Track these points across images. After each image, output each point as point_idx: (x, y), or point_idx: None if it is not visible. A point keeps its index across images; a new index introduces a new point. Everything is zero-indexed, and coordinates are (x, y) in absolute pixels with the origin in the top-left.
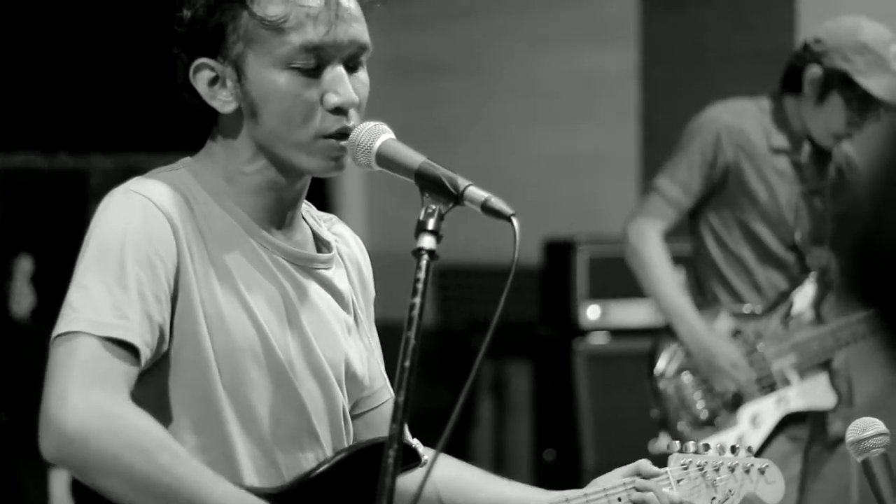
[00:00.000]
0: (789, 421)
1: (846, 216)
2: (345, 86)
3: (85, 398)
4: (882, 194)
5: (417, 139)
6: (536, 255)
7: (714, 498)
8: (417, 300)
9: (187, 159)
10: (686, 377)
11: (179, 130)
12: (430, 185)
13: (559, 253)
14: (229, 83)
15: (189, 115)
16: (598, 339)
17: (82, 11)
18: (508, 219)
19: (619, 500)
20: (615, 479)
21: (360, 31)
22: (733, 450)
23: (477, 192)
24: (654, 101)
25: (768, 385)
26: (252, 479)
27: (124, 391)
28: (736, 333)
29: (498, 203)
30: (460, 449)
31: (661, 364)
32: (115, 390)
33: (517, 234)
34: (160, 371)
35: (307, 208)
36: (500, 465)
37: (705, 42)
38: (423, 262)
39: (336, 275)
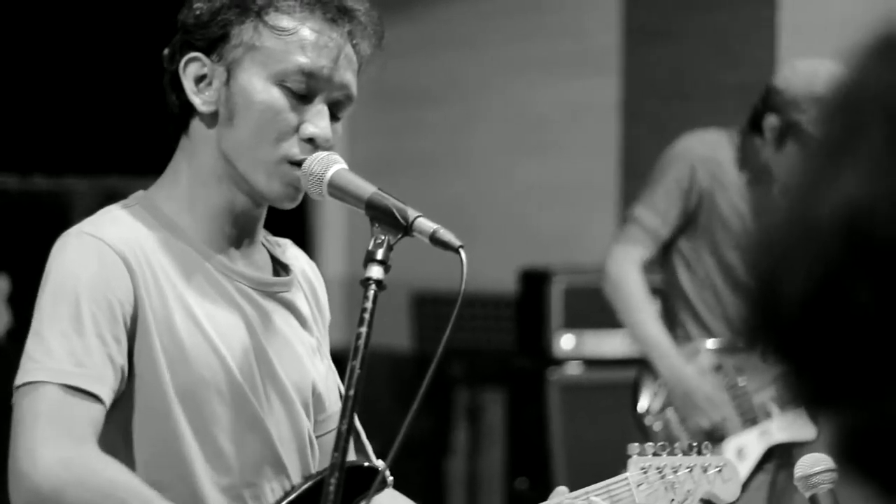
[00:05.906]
0: (773, 452)
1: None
2: (325, 122)
3: (54, 452)
4: (784, 240)
5: (397, 166)
6: (513, 284)
7: (673, 499)
8: (364, 329)
9: (140, 193)
10: (670, 413)
11: (156, 154)
12: (380, 215)
13: (535, 282)
14: (215, 84)
15: (166, 138)
16: (573, 370)
17: (58, 33)
18: (456, 250)
19: None
20: None
21: (352, 80)
22: (691, 448)
23: (426, 224)
24: (635, 133)
25: (751, 418)
26: None
27: (91, 439)
28: (718, 368)
29: (446, 235)
30: (436, 476)
31: (645, 400)
32: (82, 440)
33: (464, 266)
34: (121, 411)
35: (263, 233)
36: (473, 494)
37: (687, 75)
38: (371, 293)
39: (297, 297)
